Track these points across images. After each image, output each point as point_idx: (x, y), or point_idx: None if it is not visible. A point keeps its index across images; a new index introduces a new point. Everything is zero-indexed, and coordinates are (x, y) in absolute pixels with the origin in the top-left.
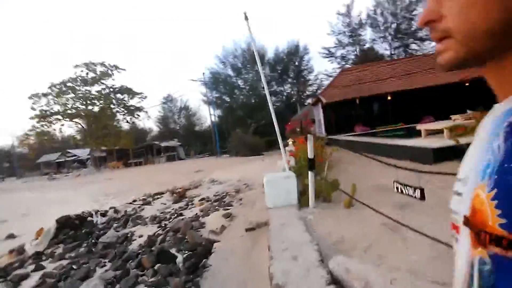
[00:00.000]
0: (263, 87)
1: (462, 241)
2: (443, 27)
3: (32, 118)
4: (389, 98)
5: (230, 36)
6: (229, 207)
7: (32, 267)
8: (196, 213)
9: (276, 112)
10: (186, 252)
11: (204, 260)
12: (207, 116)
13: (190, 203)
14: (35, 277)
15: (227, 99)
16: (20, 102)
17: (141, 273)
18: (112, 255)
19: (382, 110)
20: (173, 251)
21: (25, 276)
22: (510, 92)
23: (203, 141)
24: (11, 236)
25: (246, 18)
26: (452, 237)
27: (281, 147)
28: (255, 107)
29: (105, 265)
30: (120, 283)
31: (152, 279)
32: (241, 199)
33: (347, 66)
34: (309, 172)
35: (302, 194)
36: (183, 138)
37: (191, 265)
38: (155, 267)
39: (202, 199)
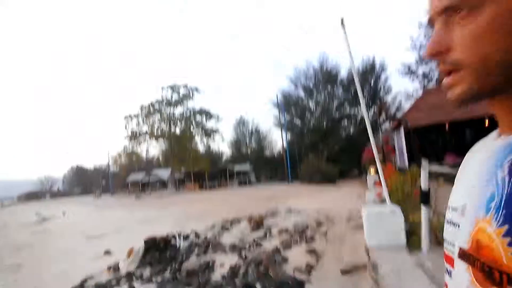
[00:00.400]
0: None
1: (458, 274)
2: (453, 59)
3: (125, 137)
4: (487, 123)
5: (304, 58)
6: (312, 241)
7: (126, 287)
8: (276, 246)
9: (348, 137)
10: None
11: None
12: (278, 140)
13: (268, 233)
14: None
15: (298, 122)
16: (118, 124)
17: None
18: (196, 284)
19: (480, 136)
20: (258, 286)
21: None
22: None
23: (273, 166)
24: (107, 253)
25: (343, 24)
26: (445, 270)
27: (381, 177)
28: (327, 131)
29: None
30: None
31: None
32: (325, 233)
33: (431, 84)
34: (422, 207)
35: (410, 233)
36: (253, 162)
37: None
38: None
39: (281, 230)
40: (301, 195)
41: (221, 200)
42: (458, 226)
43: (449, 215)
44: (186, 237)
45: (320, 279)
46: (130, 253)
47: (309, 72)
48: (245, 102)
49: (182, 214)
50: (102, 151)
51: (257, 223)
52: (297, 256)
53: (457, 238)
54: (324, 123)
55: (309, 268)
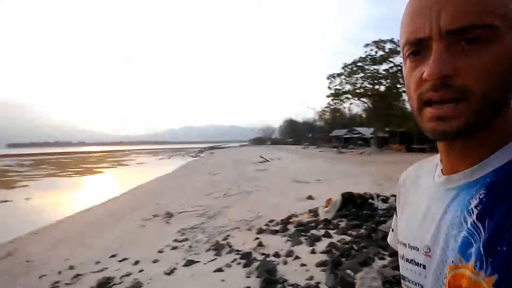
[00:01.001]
0: None
1: None
2: (459, 84)
3: (328, 96)
4: None
5: None
6: None
7: (323, 232)
8: None
9: None
10: None
11: None
12: None
13: None
14: (324, 243)
15: None
16: (322, 82)
17: None
18: (392, 250)
19: None
20: None
21: (317, 239)
22: (464, 165)
23: None
24: (310, 198)
25: None
26: None
27: None
28: None
29: (384, 258)
30: None
31: None
32: None
33: None
34: None
35: None
36: None
37: None
38: None
39: None
40: None
41: None
42: (424, 267)
43: (406, 252)
44: (385, 199)
45: None
46: (328, 202)
47: None
48: None
49: (383, 175)
50: (309, 106)
51: None
52: None
53: (426, 279)
54: None
55: None
